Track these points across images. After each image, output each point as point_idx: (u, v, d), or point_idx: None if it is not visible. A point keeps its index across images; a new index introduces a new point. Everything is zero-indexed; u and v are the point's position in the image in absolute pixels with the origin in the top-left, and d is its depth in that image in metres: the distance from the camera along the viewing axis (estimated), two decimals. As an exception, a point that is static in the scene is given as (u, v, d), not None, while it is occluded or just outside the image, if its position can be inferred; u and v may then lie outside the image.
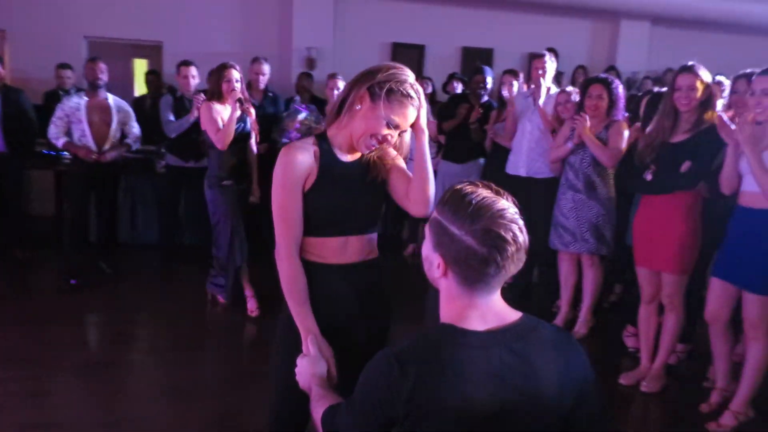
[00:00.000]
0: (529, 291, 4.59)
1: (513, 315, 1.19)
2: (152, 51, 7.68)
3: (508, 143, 4.58)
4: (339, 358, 1.63)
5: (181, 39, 7.06)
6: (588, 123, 3.60)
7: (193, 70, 4.83)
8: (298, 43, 7.38)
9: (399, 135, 1.64)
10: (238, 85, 3.77)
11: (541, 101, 4.30)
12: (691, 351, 3.63)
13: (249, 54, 5.36)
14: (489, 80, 5.16)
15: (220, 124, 3.71)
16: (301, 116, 4.83)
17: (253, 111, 3.93)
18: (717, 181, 2.88)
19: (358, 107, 1.59)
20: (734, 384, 2.94)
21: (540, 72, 4.42)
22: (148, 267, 5.15)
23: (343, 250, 1.69)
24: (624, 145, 3.59)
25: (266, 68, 5.06)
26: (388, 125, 1.57)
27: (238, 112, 3.72)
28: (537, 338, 1.15)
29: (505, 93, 4.69)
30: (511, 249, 1.09)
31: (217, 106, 3.76)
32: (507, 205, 1.13)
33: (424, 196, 1.68)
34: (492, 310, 1.16)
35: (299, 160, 1.61)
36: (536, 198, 4.18)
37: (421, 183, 1.68)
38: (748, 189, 2.75)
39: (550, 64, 4.47)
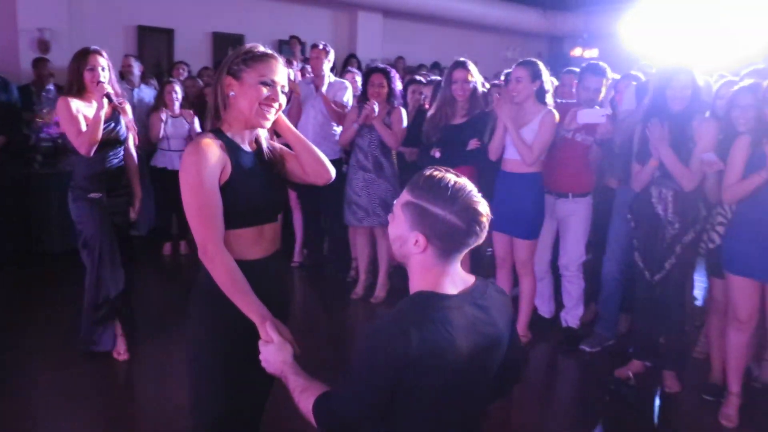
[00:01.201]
0: (323, 264, 4.98)
1: (470, 278, 1.46)
2: None
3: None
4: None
5: None
6: (377, 109, 4.03)
7: None
8: (25, 23, 6.48)
9: (285, 95, 1.72)
10: (106, 75, 3.10)
11: (324, 88, 4.62)
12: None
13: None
14: None
15: (83, 124, 3.04)
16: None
17: (128, 108, 3.29)
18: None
19: (231, 93, 1.67)
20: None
21: (319, 61, 4.71)
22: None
23: (258, 240, 1.74)
24: (404, 128, 4.12)
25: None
26: (265, 85, 1.65)
27: (107, 109, 3.06)
28: (490, 294, 1.45)
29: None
30: (485, 221, 1.36)
31: (77, 102, 3.08)
32: (471, 185, 1.38)
33: (319, 164, 1.82)
34: (458, 275, 1.42)
35: (212, 154, 1.62)
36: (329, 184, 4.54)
37: (308, 155, 1.82)
38: (510, 157, 3.48)
39: (330, 55, 4.78)
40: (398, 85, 4.24)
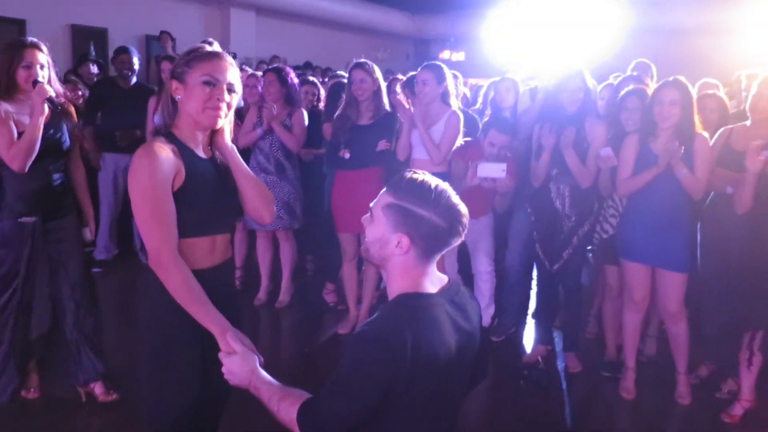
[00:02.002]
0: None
1: (444, 277, 1.49)
2: None
3: None
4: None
5: None
6: (275, 110, 3.93)
7: None
8: None
9: (235, 94, 1.66)
10: (45, 74, 2.59)
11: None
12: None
13: None
14: (135, 61, 4.98)
15: (15, 133, 2.51)
16: None
17: (73, 111, 2.81)
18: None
19: (178, 97, 1.62)
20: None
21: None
22: None
23: (211, 250, 1.68)
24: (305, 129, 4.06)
25: None
26: (209, 84, 1.59)
27: (47, 113, 2.53)
28: (462, 292, 1.50)
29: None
30: (466, 221, 1.39)
31: (6, 106, 2.55)
32: (449, 187, 1.41)
33: (263, 204, 1.78)
34: (435, 275, 1.45)
35: (165, 158, 1.54)
36: None
37: (255, 192, 1.75)
38: (418, 157, 3.56)
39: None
40: (296, 85, 4.17)
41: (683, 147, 2.80)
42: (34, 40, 2.64)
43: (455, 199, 1.40)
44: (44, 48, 2.63)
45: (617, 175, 3.05)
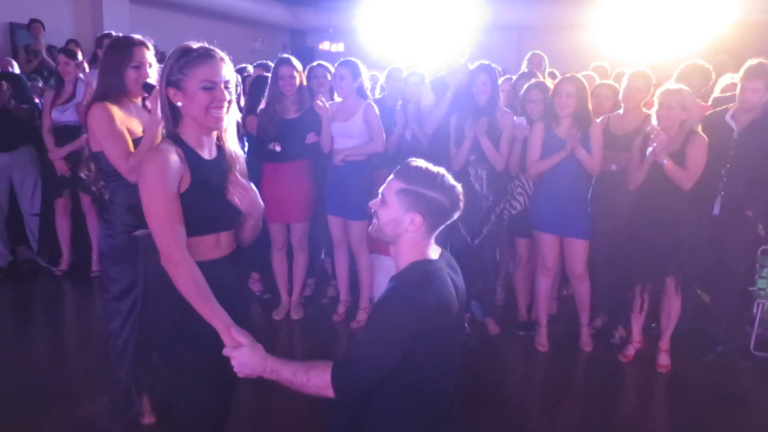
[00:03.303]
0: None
1: (437, 247, 1.76)
2: None
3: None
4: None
5: None
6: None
7: None
8: None
9: (229, 90, 1.68)
10: (153, 74, 2.41)
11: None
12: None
13: None
14: None
15: (131, 142, 2.33)
16: None
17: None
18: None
19: (179, 104, 1.65)
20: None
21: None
22: None
23: (216, 245, 1.76)
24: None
25: None
26: (208, 89, 1.62)
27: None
28: (450, 257, 1.80)
29: (81, 75, 4.42)
30: (462, 197, 1.68)
31: (119, 112, 2.34)
32: (446, 171, 1.68)
33: (255, 234, 1.88)
34: (433, 245, 1.73)
35: (172, 161, 1.61)
36: None
37: (254, 222, 1.85)
38: (339, 147, 3.77)
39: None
40: None
41: (581, 132, 3.30)
42: (140, 37, 2.49)
43: (452, 180, 1.69)
44: (150, 45, 2.49)
45: (527, 158, 3.50)
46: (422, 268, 1.65)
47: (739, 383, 3.36)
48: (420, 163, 1.68)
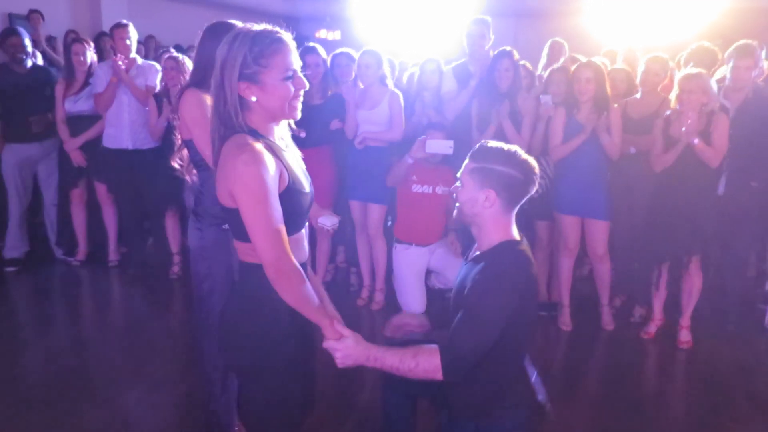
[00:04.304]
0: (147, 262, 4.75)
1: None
2: None
3: (102, 112, 4.39)
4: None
5: None
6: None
7: None
8: None
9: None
10: None
11: (133, 72, 4.33)
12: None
13: None
14: (28, 42, 4.67)
15: None
16: None
17: None
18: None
19: (253, 99, 1.49)
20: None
21: (127, 42, 4.38)
22: None
23: (302, 242, 1.64)
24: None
25: None
26: (289, 79, 1.50)
27: None
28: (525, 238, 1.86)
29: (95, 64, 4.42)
30: (538, 172, 1.75)
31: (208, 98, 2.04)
32: (516, 146, 1.75)
33: None
34: (515, 226, 1.79)
35: (270, 162, 1.46)
36: (143, 168, 4.34)
37: None
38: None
39: (133, 34, 4.46)
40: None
41: (601, 116, 3.38)
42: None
43: (525, 155, 1.74)
44: None
45: (550, 143, 3.57)
46: (512, 249, 1.72)
47: (756, 356, 3.47)
48: (493, 143, 1.75)
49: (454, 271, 2.93)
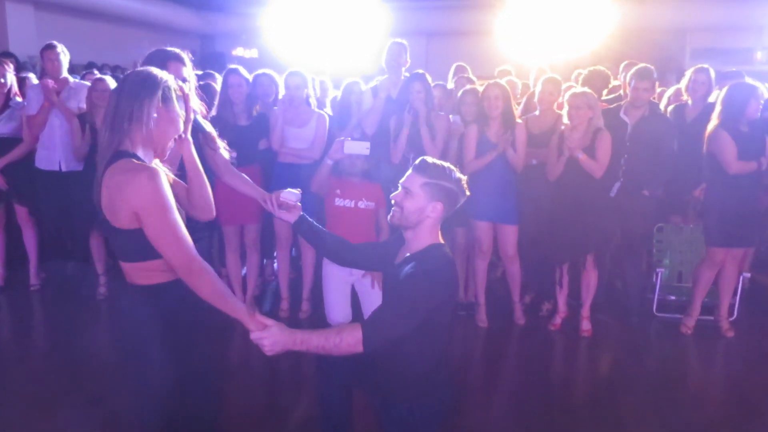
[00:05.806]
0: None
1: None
2: None
3: (35, 134, 4.36)
4: None
5: None
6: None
7: None
8: None
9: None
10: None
11: (65, 94, 4.34)
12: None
13: None
14: None
15: None
16: None
17: None
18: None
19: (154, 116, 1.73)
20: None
21: (56, 63, 4.39)
22: None
23: None
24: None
25: None
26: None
27: None
28: None
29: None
30: (465, 184, 2.03)
31: None
32: (451, 165, 2.04)
33: (207, 201, 1.97)
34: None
35: (164, 175, 1.72)
36: (74, 188, 4.35)
37: (201, 191, 1.95)
38: (292, 146, 4.03)
39: (64, 57, 4.47)
40: None
41: (509, 134, 3.77)
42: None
43: (459, 173, 2.04)
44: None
45: (464, 158, 3.91)
46: (440, 250, 2.01)
47: (647, 339, 3.96)
48: (433, 160, 2.03)
49: (373, 305, 2.92)
